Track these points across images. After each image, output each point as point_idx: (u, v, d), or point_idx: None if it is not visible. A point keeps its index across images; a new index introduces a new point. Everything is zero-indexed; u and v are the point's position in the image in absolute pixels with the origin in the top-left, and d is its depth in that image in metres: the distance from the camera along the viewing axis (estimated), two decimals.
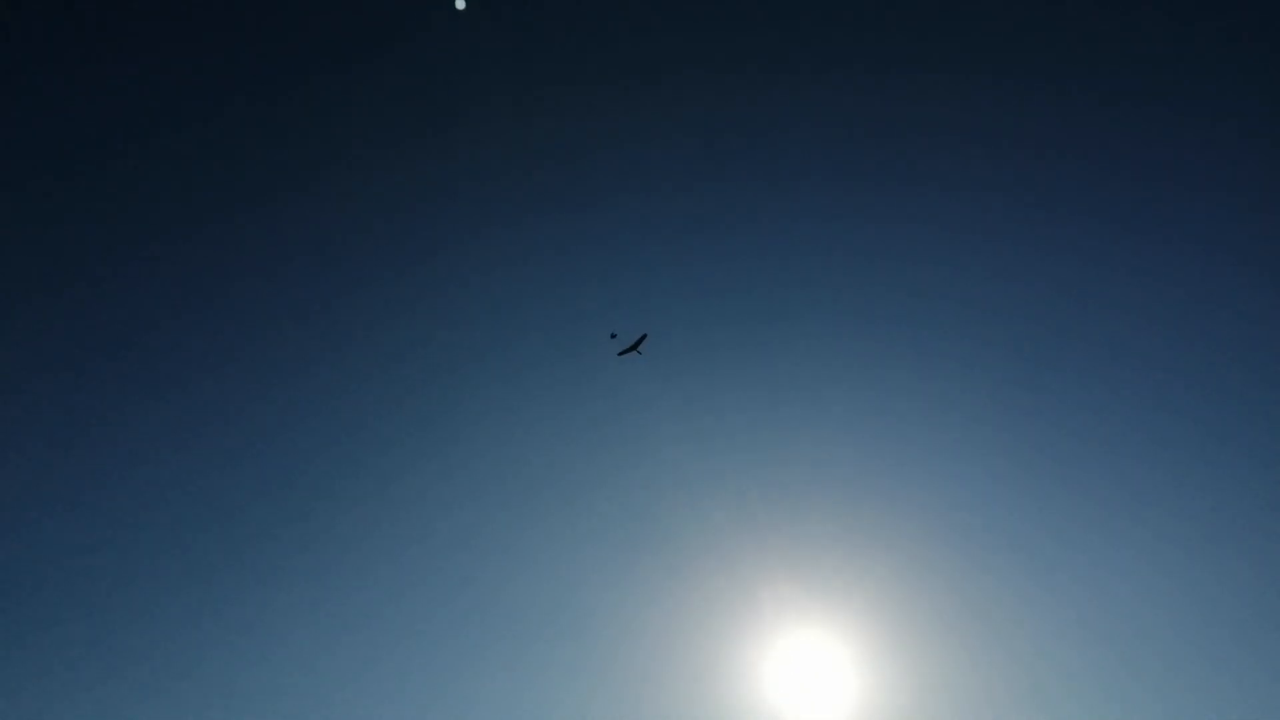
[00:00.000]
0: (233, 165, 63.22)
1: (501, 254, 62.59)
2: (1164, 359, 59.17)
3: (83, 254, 61.00)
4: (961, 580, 54.67)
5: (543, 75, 63.69)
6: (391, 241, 63.68)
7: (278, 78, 63.50)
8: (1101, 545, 55.93)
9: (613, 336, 52.98)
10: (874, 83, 62.86)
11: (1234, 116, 60.20)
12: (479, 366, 61.92)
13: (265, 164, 63.53)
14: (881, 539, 55.39)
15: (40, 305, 59.58)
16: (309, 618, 55.31)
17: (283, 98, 63.41)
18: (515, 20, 63.51)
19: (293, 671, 53.48)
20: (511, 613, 55.78)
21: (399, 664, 54.46)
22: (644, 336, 53.25)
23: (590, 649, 54.28)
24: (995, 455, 58.11)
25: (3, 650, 51.43)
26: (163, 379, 60.46)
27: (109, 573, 55.00)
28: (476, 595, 56.59)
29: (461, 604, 56.19)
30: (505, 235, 62.85)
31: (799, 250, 62.78)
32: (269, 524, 58.11)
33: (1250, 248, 59.23)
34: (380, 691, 53.12)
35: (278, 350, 61.56)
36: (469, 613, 55.97)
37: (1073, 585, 54.95)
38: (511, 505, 58.62)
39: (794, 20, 63.96)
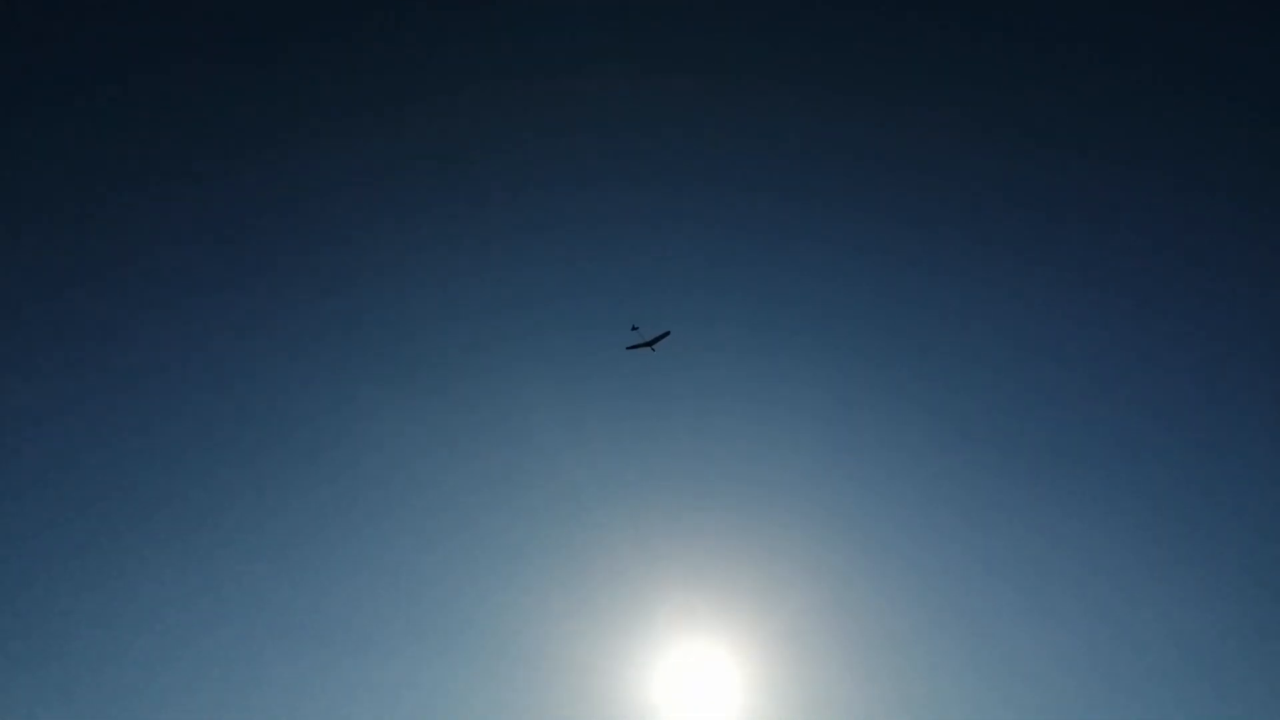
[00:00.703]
0: (235, 163, 64.72)
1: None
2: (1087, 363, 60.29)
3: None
4: (842, 591, 55.99)
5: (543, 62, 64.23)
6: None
7: (284, 70, 64.41)
8: (983, 559, 57.33)
9: (634, 329, 50.77)
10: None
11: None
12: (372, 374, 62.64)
13: (263, 154, 65.05)
14: (767, 553, 56.62)
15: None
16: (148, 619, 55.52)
17: (288, 89, 64.74)
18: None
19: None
20: (393, 619, 56.27)
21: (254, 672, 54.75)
22: (665, 334, 50.93)
23: (478, 655, 55.04)
24: (880, 471, 59.45)
25: None
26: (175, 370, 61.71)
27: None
28: (362, 602, 56.82)
29: (342, 611, 56.41)
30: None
31: (691, 265, 63.75)
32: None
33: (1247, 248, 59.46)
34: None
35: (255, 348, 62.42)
36: (352, 620, 56.18)
37: (950, 595, 56.37)
38: (398, 510, 59.31)
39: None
